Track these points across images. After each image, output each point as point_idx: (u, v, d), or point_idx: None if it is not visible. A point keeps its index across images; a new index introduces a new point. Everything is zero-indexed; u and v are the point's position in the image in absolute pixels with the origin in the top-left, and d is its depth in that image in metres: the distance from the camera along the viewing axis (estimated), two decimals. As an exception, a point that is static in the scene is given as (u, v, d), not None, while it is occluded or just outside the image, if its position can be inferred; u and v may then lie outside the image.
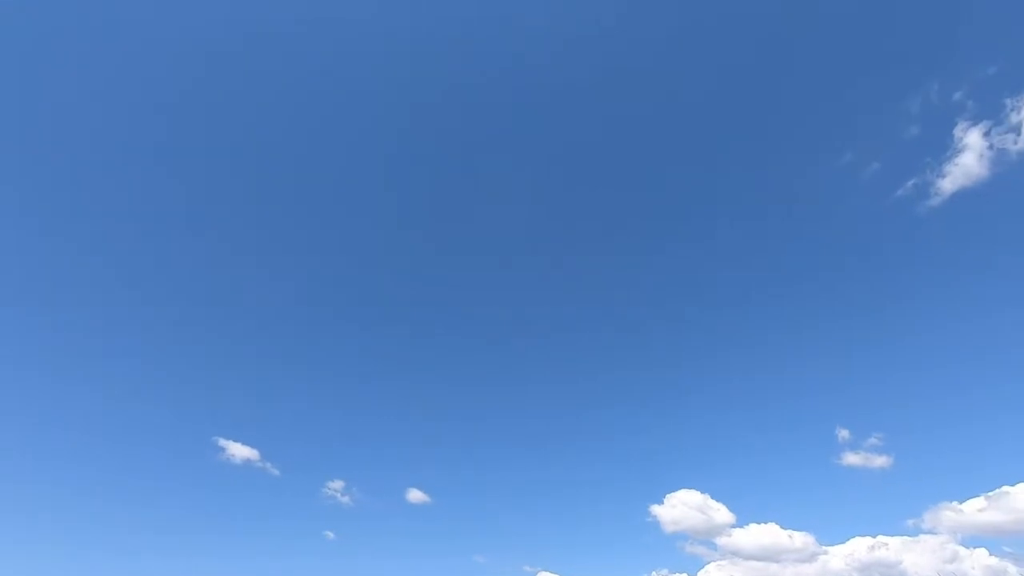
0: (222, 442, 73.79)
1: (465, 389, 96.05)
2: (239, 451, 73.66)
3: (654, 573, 71.43)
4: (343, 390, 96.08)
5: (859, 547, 62.57)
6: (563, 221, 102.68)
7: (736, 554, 67.34)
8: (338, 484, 76.35)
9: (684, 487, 72.09)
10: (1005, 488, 60.42)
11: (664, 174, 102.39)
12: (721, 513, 69.46)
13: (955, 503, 63.02)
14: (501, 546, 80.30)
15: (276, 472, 75.21)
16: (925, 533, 63.51)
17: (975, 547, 59.85)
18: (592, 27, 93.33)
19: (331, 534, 73.48)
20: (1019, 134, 69.04)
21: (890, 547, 62.09)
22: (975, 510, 61.26)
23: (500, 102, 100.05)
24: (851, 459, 71.69)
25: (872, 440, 72.12)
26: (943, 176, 74.06)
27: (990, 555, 58.41)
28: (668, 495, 71.96)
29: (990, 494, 61.33)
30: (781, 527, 66.70)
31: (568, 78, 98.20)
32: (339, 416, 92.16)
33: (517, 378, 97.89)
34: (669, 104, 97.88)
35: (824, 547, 64.55)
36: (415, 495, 78.67)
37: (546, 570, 67.16)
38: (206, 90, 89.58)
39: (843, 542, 64.10)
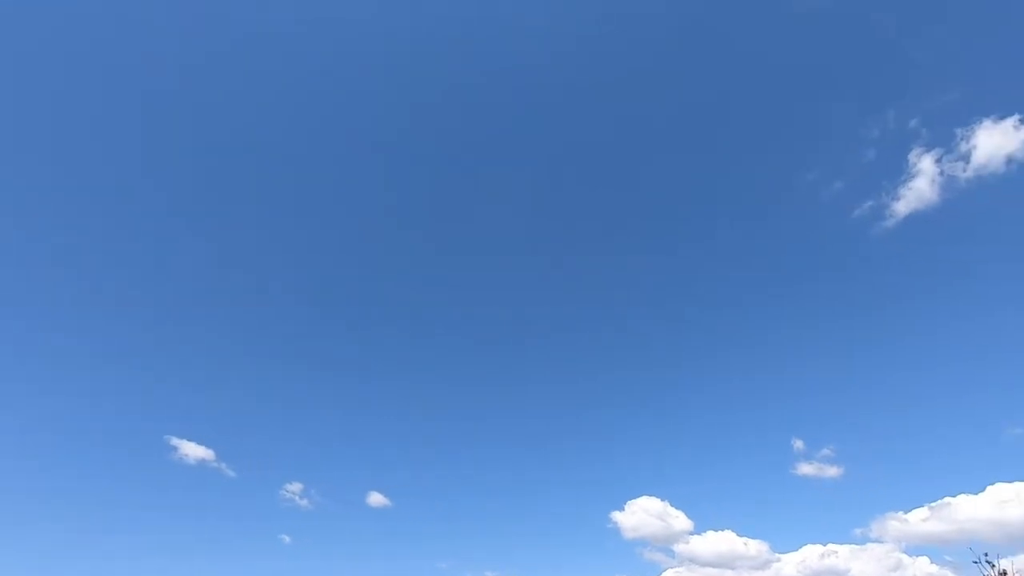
0: (175, 441, 69.91)
1: (429, 393, 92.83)
2: (193, 451, 69.89)
3: None
4: (303, 389, 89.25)
5: (810, 555, 63.37)
6: (537, 225, 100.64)
7: (693, 561, 67.33)
8: (296, 486, 72.66)
9: (645, 494, 71.49)
10: (947, 499, 61.89)
11: (635, 185, 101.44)
12: (680, 520, 69.12)
13: (900, 513, 64.32)
14: (463, 551, 78.28)
15: (232, 473, 71.62)
16: (872, 541, 64.43)
17: (918, 555, 61.00)
18: (583, 38, 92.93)
19: (287, 538, 69.98)
20: (968, 162, 71.39)
21: (839, 555, 62.78)
22: (919, 520, 62.48)
23: (497, 103, 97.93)
24: (805, 469, 72.23)
25: (825, 451, 72.63)
26: (897, 199, 76.48)
27: (931, 563, 59.84)
28: (629, 502, 71.31)
29: (933, 505, 62.60)
30: (737, 534, 67.04)
31: (560, 84, 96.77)
32: (298, 416, 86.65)
33: (481, 383, 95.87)
34: (652, 120, 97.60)
35: (777, 554, 64.94)
36: (376, 498, 75.12)
37: None
38: (203, 90, 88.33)
39: (796, 550, 64.54)
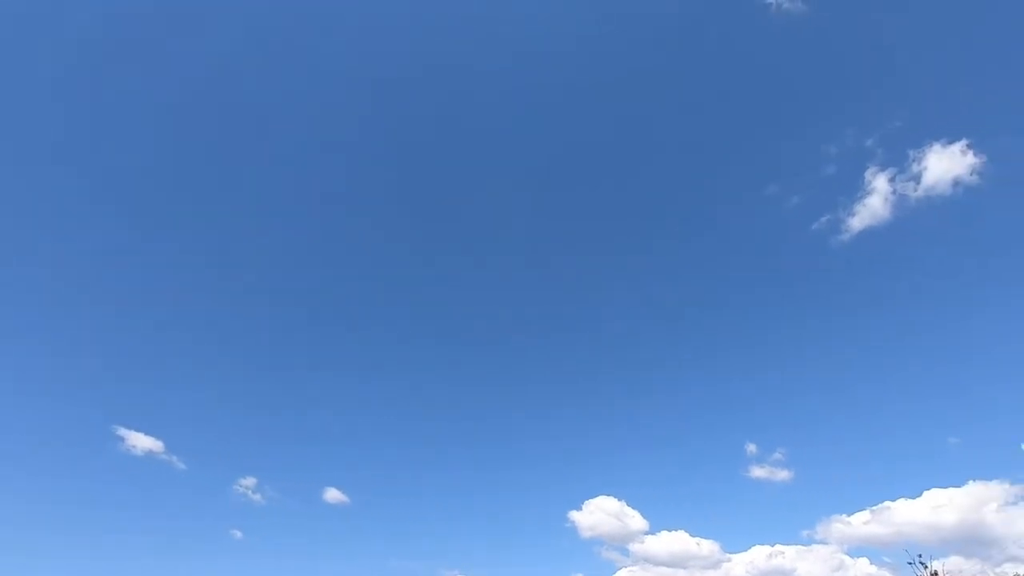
0: (122, 431, 64.98)
1: (389, 390, 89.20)
2: (141, 442, 65.05)
3: None
4: (260, 381, 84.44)
5: (759, 555, 63.69)
6: (500, 230, 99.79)
7: (647, 560, 66.91)
8: (250, 481, 68.54)
9: (602, 494, 71.09)
10: (887, 503, 62.63)
11: (600, 193, 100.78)
12: (636, 520, 68.69)
13: (844, 516, 64.65)
14: (419, 550, 75.56)
15: (182, 466, 67.25)
16: (817, 543, 64.69)
17: (859, 556, 61.87)
18: (556, 54, 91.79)
19: (239, 533, 66.04)
20: (919, 183, 70.94)
21: (786, 555, 63.32)
22: (861, 523, 63.07)
23: (488, 106, 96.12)
24: (757, 472, 71.69)
25: (776, 455, 71.98)
26: (853, 215, 76.31)
27: (871, 564, 60.92)
28: (586, 501, 70.98)
29: (874, 508, 63.19)
30: (690, 535, 66.81)
31: (542, 91, 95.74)
32: (254, 408, 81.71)
33: (443, 382, 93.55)
34: (619, 133, 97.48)
35: (728, 554, 64.98)
36: (333, 495, 70.18)
37: (463, 574, 65.96)
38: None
39: (746, 550, 64.94)
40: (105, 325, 78.24)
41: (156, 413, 74.50)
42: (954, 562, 50.63)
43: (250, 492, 68.27)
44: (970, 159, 71.73)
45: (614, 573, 68.04)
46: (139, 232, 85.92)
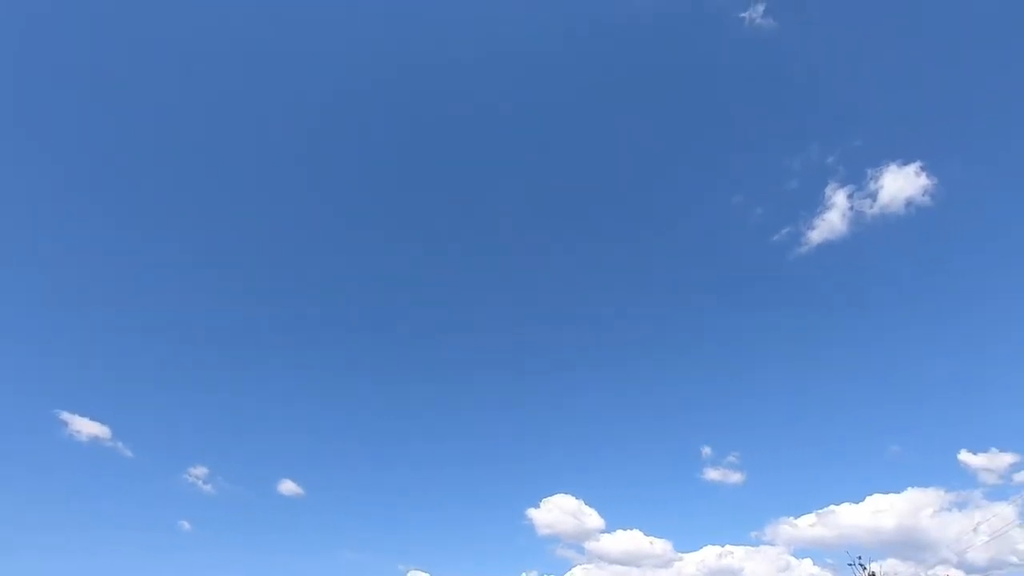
0: (65, 416, 62.93)
1: (348, 383, 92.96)
2: (86, 427, 62.66)
3: (524, 574, 73.02)
4: (215, 367, 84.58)
5: (709, 555, 67.56)
6: (443, 223, 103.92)
7: (602, 558, 70.36)
8: (201, 470, 67.53)
9: (561, 492, 74.37)
10: (832, 507, 67.25)
11: (573, 194, 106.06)
12: (593, 518, 72.15)
13: (791, 518, 70.23)
14: (374, 544, 77.47)
15: (129, 453, 65.41)
16: (765, 544, 69.67)
17: (803, 558, 66.32)
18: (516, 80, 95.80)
19: (187, 524, 65.02)
20: (875, 200, 76.99)
21: (735, 555, 66.93)
22: (807, 525, 68.11)
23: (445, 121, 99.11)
24: (711, 474, 76.83)
25: (730, 458, 76.76)
26: (812, 228, 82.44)
27: (814, 565, 65.37)
28: (545, 499, 74.17)
29: (820, 512, 68.13)
30: (644, 534, 71.19)
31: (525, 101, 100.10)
32: (207, 395, 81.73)
33: (403, 378, 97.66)
34: (601, 135, 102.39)
35: (680, 554, 69.15)
36: (288, 487, 71.81)
37: (418, 569, 67.30)
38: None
39: (697, 549, 68.73)
40: (47, 306, 74.97)
41: (103, 397, 71.80)
42: (891, 564, 53.30)
43: (200, 482, 66.19)
44: (923, 181, 75.67)
45: (568, 570, 69.22)
46: (89, 218, 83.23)
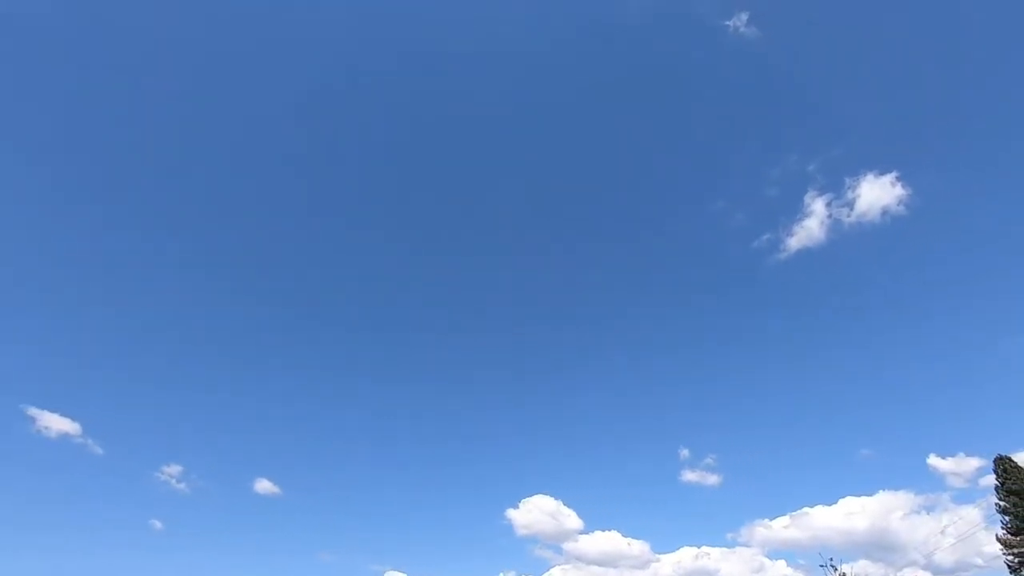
0: (33, 412, 61.94)
1: (328, 381, 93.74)
2: (55, 423, 61.52)
3: (501, 574, 72.98)
4: (190, 364, 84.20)
5: (686, 556, 68.80)
6: (424, 224, 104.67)
7: (580, 559, 71.08)
8: (174, 468, 66.39)
9: (540, 492, 75.24)
10: (806, 509, 69.26)
11: (561, 198, 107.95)
12: (571, 519, 73.12)
13: (766, 520, 72.37)
14: (351, 544, 76.81)
15: (99, 450, 64.23)
16: (740, 545, 72.15)
17: (777, 559, 68.45)
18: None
19: (159, 523, 64.02)
20: (852, 209, 79.37)
21: (711, 557, 68.06)
22: (781, 527, 70.08)
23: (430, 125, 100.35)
24: (689, 476, 78.26)
25: (708, 460, 78.34)
26: (792, 235, 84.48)
27: (788, 566, 66.89)
28: (524, 500, 74.87)
29: (794, 514, 69.89)
30: (622, 535, 72.07)
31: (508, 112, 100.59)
32: (182, 391, 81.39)
33: (381, 376, 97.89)
34: (588, 140, 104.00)
35: (657, 555, 70.21)
36: (264, 486, 70.99)
37: (395, 570, 66.89)
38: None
39: (674, 551, 69.83)
40: (14, 300, 72.91)
41: (73, 393, 69.31)
42: (862, 565, 54.28)
43: (174, 480, 64.61)
44: (899, 191, 77.43)
45: (546, 571, 69.24)
46: (61, 215, 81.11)
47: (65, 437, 60.67)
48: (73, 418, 61.49)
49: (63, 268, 79.04)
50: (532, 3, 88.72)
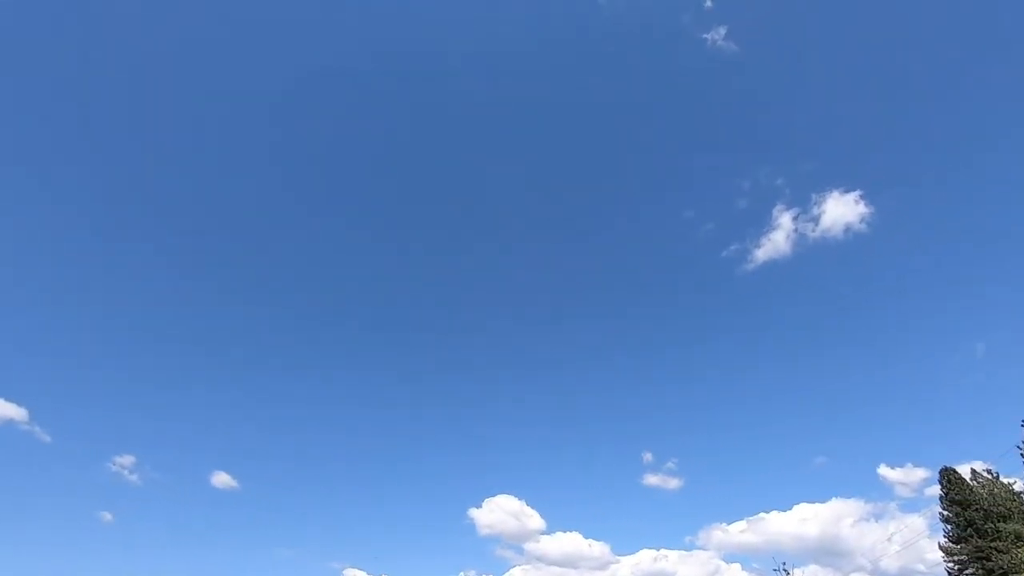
0: None
1: (289, 373, 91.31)
2: (0, 409, 60.10)
3: (462, 574, 73.56)
4: (147, 351, 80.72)
5: (645, 558, 70.34)
6: (387, 223, 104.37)
7: (541, 559, 71.93)
8: (127, 459, 63.97)
9: (504, 492, 75.40)
10: (762, 514, 70.73)
11: (535, 198, 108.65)
12: (534, 520, 73.76)
13: (724, 524, 74.72)
14: (309, 540, 75.62)
15: (47, 438, 62.23)
16: (698, 548, 74.37)
17: (733, 562, 69.62)
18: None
19: (109, 515, 62.13)
20: (817, 224, 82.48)
21: (669, 559, 69.49)
22: (738, 531, 72.18)
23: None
24: (651, 479, 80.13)
25: (670, 464, 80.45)
26: (759, 247, 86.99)
27: (743, 570, 68.95)
28: (487, 499, 74.91)
29: (751, 518, 71.47)
30: (584, 536, 73.07)
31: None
32: (137, 379, 77.83)
33: (344, 370, 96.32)
34: (565, 146, 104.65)
35: (617, 556, 71.32)
36: (221, 479, 68.55)
37: (354, 567, 66.35)
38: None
39: (633, 553, 70.70)
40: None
41: (20, 377, 65.78)
42: (812, 570, 56.13)
43: (126, 471, 62.15)
44: (862, 208, 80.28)
45: (507, 571, 69.27)
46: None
47: (10, 423, 58.32)
48: (19, 403, 58.56)
49: (9, 252, 74.86)
50: (512, 11, 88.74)
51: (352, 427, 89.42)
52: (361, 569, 65.57)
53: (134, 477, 62.35)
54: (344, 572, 65.96)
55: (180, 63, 79.40)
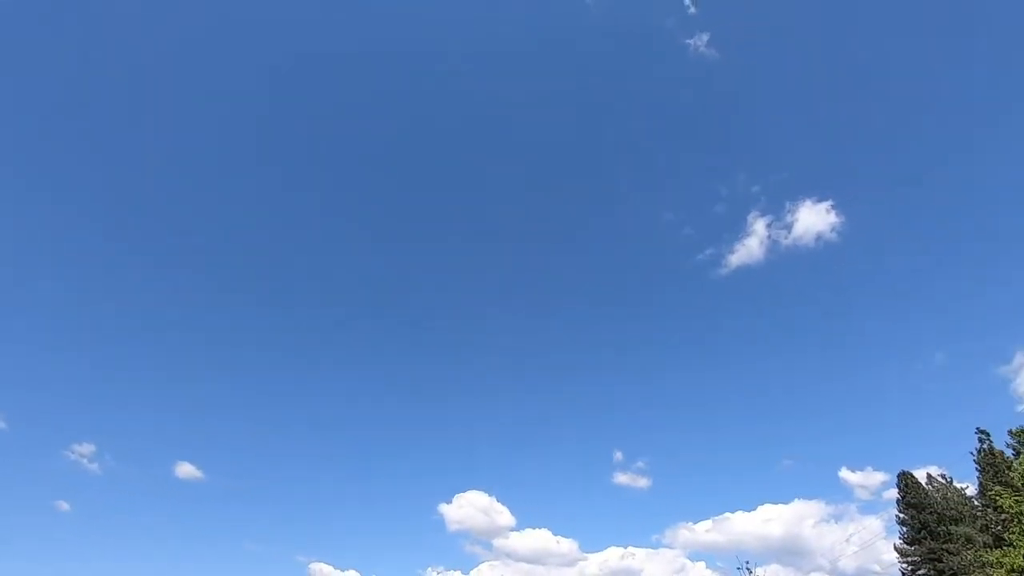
0: None
1: (258, 362, 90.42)
2: None
3: (430, 569, 74.37)
4: (111, 335, 78.83)
5: (612, 555, 71.28)
6: (360, 219, 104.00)
7: (509, 556, 72.47)
8: (86, 448, 62.47)
9: (474, 488, 75.97)
10: (727, 514, 72.54)
11: (514, 199, 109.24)
12: (504, 516, 74.27)
13: (690, 523, 76.35)
14: (275, 534, 74.39)
15: (1, 424, 61.33)
16: (664, 547, 75.60)
17: (698, 561, 71.48)
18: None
19: (66, 504, 60.73)
20: (790, 231, 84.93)
21: (636, 557, 70.16)
22: (703, 530, 74.15)
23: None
24: (621, 478, 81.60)
25: (639, 463, 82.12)
26: (733, 252, 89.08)
27: (707, 568, 69.89)
28: (457, 495, 75.38)
29: (716, 518, 73.38)
30: (552, 533, 73.72)
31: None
32: (99, 365, 76.25)
33: (312, 361, 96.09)
34: (550, 145, 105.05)
35: (585, 554, 72.33)
36: (186, 470, 66.89)
37: (321, 561, 65.91)
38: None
39: (601, 550, 71.71)
40: None
41: (-28, 363, 62.05)
42: (774, 569, 57.43)
43: (85, 460, 59.80)
44: (833, 218, 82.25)
45: (475, 567, 69.23)
46: None
47: (-38, 409, 54.06)
48: (-28, 389, 54.63)
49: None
50: (496, 15, 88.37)
51: (322, 421, 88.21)
52: (329, 564, 64.63)
53: (94, 466, 60.27)
54: (311, 567, 64.99)
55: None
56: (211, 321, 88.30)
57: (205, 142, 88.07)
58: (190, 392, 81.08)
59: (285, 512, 76.41)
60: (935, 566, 36.45)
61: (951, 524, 36.07)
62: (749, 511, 70.67)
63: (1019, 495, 17.88)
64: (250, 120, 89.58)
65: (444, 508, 73.35)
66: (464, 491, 74.28)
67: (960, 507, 36.88)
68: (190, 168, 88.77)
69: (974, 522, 34.76)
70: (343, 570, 65.03)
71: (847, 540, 48.97)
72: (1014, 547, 18.49)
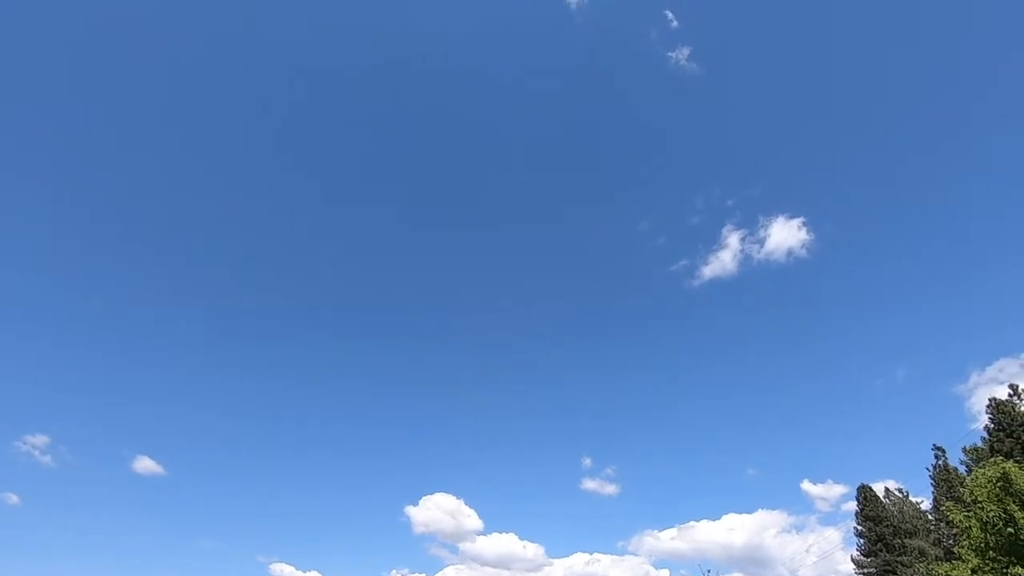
0: None
1: (223, 358, 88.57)
2: None
3: (394, 572, 73.46)
4: (69, 324, 76.86)
5: (578, 561, 72.61)
6: (327, 215, 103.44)
7: (475, 559, 72.43)
8: (40, 439, 61.02)
9: (442, 490, 75.03)
10: (692, 522, 76.20)
11: (494, 197, 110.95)
12: (472, 519, 74.10)
13: (655, 531, 77.03)
14: (235, 532, 72.62)
15: None
16: (629, 554, 76.26)
17: (661, 568, 73.35)
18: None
19: (15, 497, 58.47)
20: (762, 246, 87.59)
21: (602, 563, 73.39)
22: (668, 538, 75.43)
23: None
24: (589, 484, 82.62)
25: (608, 470, 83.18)
26: (706, 264, 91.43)
27: (670, 575, 72.56)
28: (424, 497, 74.53)
29: (681, 526, 76.58)
30: (519, 537, 73.78)
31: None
32: (55, 353, 73.61)
33: (279, 360, 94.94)
34: (528, 152, 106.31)
35: (551, 559, 72.71)
36: (144, 464, 65.41)
37: (283, 562, 64.69)
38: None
39: (567, 556, 72.15)
40: None
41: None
42: (735, 577, 57.84)
43: (38, 452, 57.17)
44: (804, 235, 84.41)
45: (440, 569, 68.58)
46: None
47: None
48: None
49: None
50: (480, 24, 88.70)
51: (286, 417, 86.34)
52: (290, 565, 63.14)
53: (47, 458, 57.84)
54: (272, 567, 63.35)
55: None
56: (173, 315, 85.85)
57: (197, 139, 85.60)
58: (152, 386, 78.59)
59: (247, 511, 74.50)
60: (889, 578, 37.40)
61: (906, 537, 37.10)
62: (714, 520, 71.72)
63: (968, 511, 18.49)
64: (241, 118, 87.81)
65: (411, 510, 72.77)
66: (431, 493, 73.45)
67: (915, 521, 37.98)
68: (141, 152, 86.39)
69: (927, 536, 35.83)
70: (305, 571, 63.82)
71: (807, 550, 50.10)
72: (963, 560, 19.13)
